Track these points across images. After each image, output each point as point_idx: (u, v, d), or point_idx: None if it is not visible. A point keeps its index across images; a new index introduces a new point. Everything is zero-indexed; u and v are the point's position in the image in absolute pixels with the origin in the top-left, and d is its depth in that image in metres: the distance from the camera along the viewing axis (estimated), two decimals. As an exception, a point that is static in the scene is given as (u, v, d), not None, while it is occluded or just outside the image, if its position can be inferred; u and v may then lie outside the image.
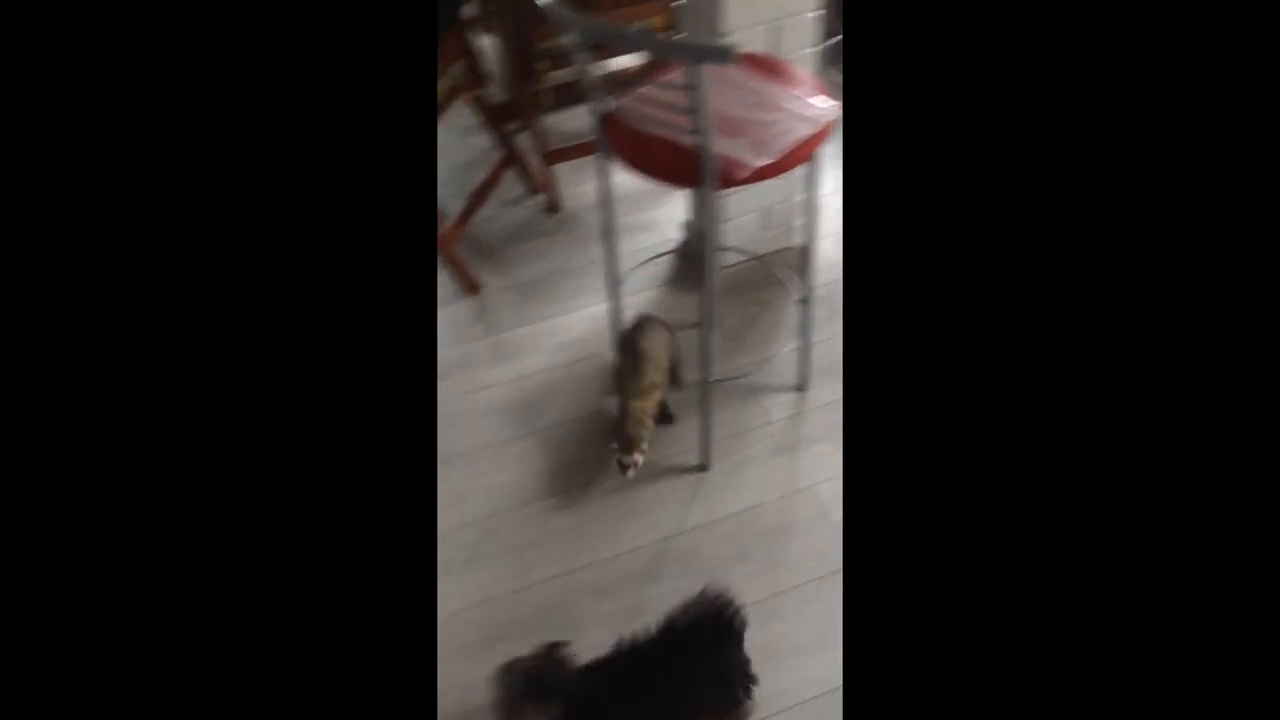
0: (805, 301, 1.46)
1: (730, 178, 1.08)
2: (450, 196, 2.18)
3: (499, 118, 2.01)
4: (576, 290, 1.86)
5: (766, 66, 1.26)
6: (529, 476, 1.49)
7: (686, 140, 1.10)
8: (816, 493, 1.42)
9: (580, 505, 1.44)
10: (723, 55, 0.92)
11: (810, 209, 1.37)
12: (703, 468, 1.47)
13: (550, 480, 1.48)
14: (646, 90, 1.21)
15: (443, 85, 1.77)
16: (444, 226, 1.92)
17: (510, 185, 2.18)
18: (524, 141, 2.22)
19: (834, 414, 1.54)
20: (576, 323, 1.79)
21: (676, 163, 1.10)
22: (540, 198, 2.12)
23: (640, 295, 1.81)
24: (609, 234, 1.37)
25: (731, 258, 1.79)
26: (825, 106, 1.17)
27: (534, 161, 2.15)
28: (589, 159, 2.22)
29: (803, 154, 1.13)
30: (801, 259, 1.54)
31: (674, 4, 1.83)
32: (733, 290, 1.79)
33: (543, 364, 1.70)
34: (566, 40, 1.05)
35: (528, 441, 1.55)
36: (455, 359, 1.73)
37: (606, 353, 1.70)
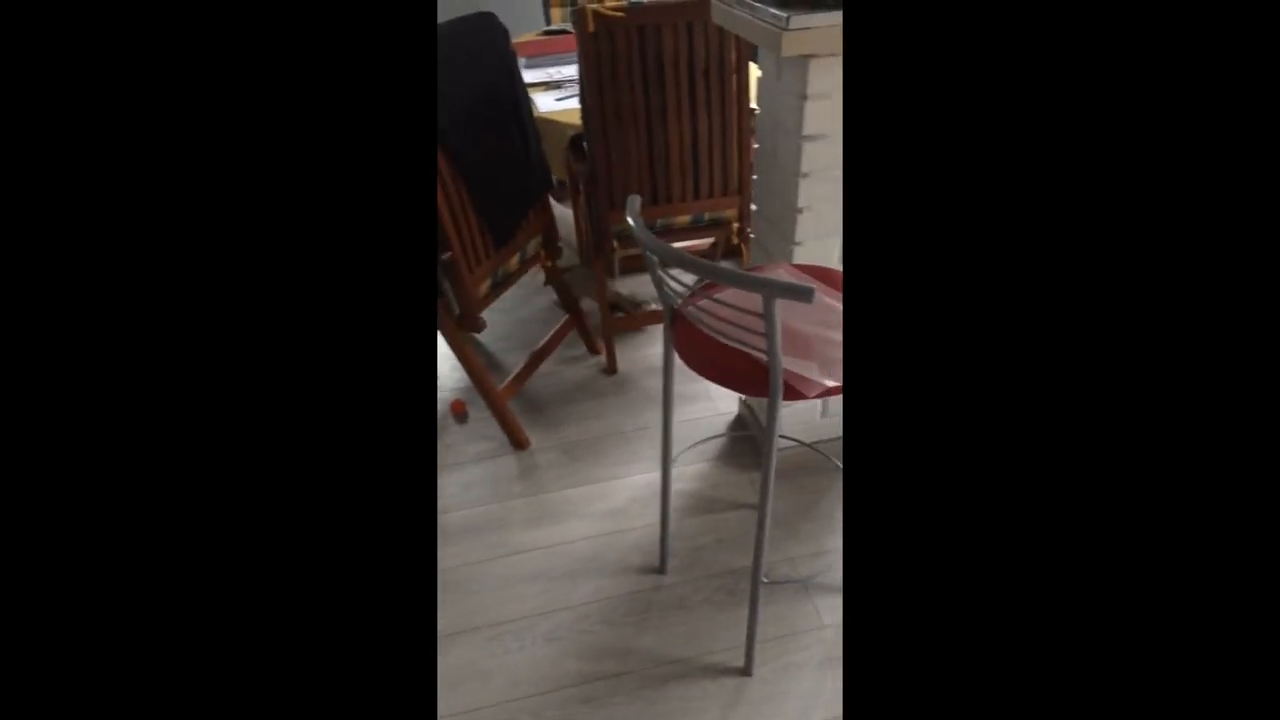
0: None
1: (797, 394, 1.06)
2: (509, 350, 2.24)
3: (565, 286, 2.10)
4: (626, 456, 1.82)
5: (837, 283, 1.28)
6: (554, 660, 1.38)
7: (755, 354, 1.10)
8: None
9: (607, 701, 1.31)
10: (803, 294, 0.90)
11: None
12: (745, 672, 1.34)
13: (577, 667, 1.37)
14: (719, 297, 1.24)
15: (525, 252, 1.87)
16: (501, 381, 1.94)
17: (570, 343, 2.24)
18: (587, 304, 2.29)
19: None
20: (622, 489, 1.74)
21: (743, 374, 1.09)
22: (599, 358, 2.16)
23: (690, 468, 1.77)
24: (667, 411, 1.36)
25: (787, 442, 1.75)
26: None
27: (596, 324, 2.21)
28: (653, 326, 2.27)
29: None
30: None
31: (749, 202, 1.94)
32: (787, 474, 1.74)
33: (583, 531, 1.64)
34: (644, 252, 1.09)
35: (558, 618, 1.46)
36: (493, 517, 1.68)
37: (653, 524, 1.63)
